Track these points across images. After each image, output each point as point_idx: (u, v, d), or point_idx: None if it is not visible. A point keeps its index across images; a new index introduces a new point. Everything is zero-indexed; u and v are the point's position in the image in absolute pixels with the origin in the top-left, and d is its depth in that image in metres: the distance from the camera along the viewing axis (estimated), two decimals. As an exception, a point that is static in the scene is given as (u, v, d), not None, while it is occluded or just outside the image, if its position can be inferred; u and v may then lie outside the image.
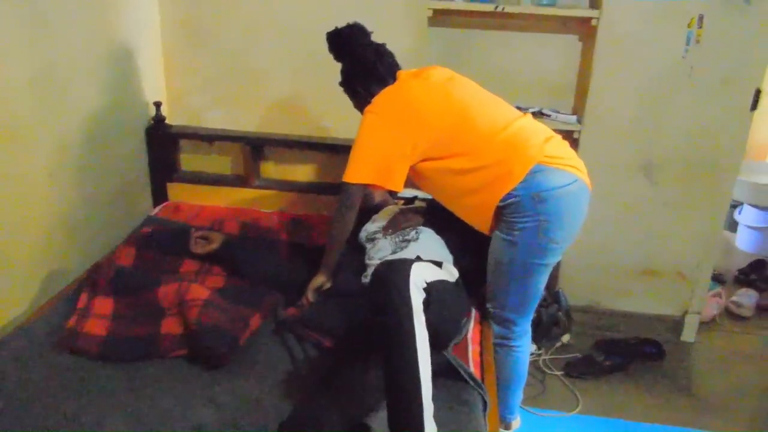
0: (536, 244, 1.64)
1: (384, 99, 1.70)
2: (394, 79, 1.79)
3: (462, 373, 1.49)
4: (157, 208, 2.44)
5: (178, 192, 2.51)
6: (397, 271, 1.28)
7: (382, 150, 1.67)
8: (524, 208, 1.61)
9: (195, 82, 2.52)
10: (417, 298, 1.25)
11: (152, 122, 2.43)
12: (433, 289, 1.34)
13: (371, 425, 1.32)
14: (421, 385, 1.20)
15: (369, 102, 1.73)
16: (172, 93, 2.53)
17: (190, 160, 2.58)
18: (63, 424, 1.35)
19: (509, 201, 1.61)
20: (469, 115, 1.67)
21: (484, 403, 1.46)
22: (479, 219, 1.72)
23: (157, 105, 2.40)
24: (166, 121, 2.46)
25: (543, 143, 1.64)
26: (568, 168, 1.63)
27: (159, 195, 2.50)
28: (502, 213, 1.65)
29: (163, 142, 2.46)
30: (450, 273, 1.63)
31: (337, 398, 1.37)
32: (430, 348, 1.36)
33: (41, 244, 1.89)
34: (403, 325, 1.22)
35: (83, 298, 1.76)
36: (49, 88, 1.85)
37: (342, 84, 1.87)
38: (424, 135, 1.66)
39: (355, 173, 1.69)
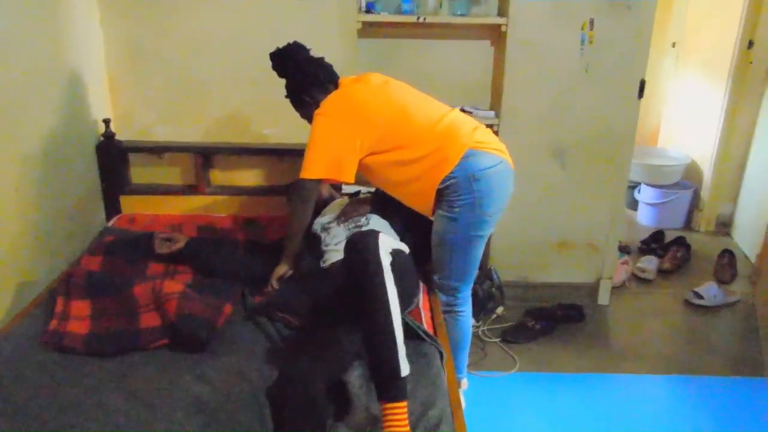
0: (474, 217, 1.90)
1: (331, 102, 1.91)
2: (335, 86, 2.01)
3: (419, 332, 1.72)
4: (113, 220, 2.53)
5: (131, 204, 2.61)
6: (369, 237, 1.49)
7: (333, 147, 1.88)
8: (461, 188, 1.86)
9: (140, 99, 2.63)
10: (386, 259, 1.47)
11: (102, 138, 2.53)
12: (396, 255, 1.56)
13: (348, 380, 1.53)
14: (395, 330, 1.41)
15: (315, 108, 1.93)
16: (119, 110, 2.63)
17: (140, 173, 2.69)
18: (66, 410, 1.43)
19: (448, 183, 1.87)
20: (407, 112, 1.91)
21: (440, 354, 1.70)
22: (422, 203, 1.96)
23: (106, 122, 2.50)
24: (116, 137, 2.56)
25: (472, 132, 1.91)
26: (494, 151, 1.91)
27: (112, 208, 2.59)
28: (442, 194, 1.90)
29: (113, 157, 2.56)
30: (403, 247, 1.86)
31: (314, 363, 1.56)
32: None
33: (10, 256, 1.97)
34: (377, 282, 1.43)
35: (59, 302, 1.83)
36: (10, 108, 1.94)
37: (288, 96, 2.05)
38: (369, 131, 1.88)
39: (311, 170, 1.89)
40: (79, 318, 1.81)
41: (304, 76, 2.00)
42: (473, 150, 1.87)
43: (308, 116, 2.02)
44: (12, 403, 1.46)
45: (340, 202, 2.24)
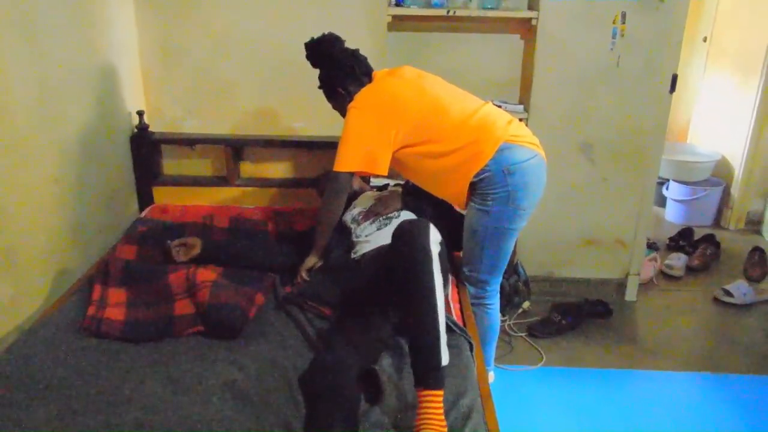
0: (507, 211, 1.90)
1: (365, 95, 1.92)
2: (369, 78, 2.02)
3: (449, 323, 1.73)
4: (146, 210, 2.58)
5: (163, 195, 2.66)
6: (420, 226, 1.50)
7: (367, 140, 1.88)
8: (496, 181, 1.86)
9: (171, 93, 2.68)
10: (435, 249, 1.48)
11: (136, 130, 2.58)
12: (442, 246, 1.57)
13: (378, 368, 1.55)
14: (438, 318, 1.42)
15: (348, 101, 1.95)
16: (151, 105, 2.68)
17: (172, 164, 2.74)
18: (105, 393, 1.48)
19: (482, 176, 1.87)
20: (441, 104, 1.92)
21: (470, 345, 1.72)
22: (456, 195, 1.96)
23: (140, 114, 2.55)
24: (149, 129, 2.61)
25: (507, 125, 1.91)
26: (529, 144, 1.91)
27: (145, 198, 2.65)
28: (476, 187, 1.90)
29: (146, 148, 2.61)
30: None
31: (347, 349, 1.57)
32: None
33: (49, 245, 2.02)
34: (426, 270, 1.44)
35: (97, 289, 1.89)
36: (48, 103, 1.99)
37: (322, 88, 2.06)
38: (404, 123, 1.88)
39: (345, 162, 1.90)
40: (116, 305, 1.85)
41: (339, 68, 2.00)
42: (508, 143, 1.87)
43: (341, 108, 2.04)
44: (51, 386, 1.50)
45: (370, 195, 2.25)
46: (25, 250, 1.90)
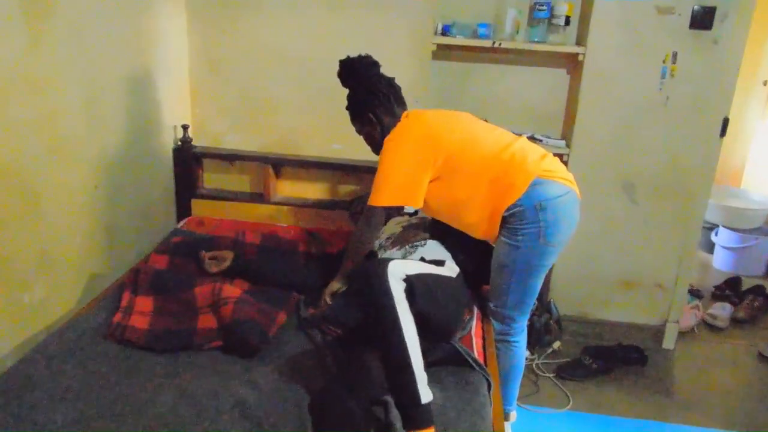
0: (537, 247, 1.85)
1: (401, 129, 1.91)
2: (403, 109, 2.00)
3: (468, 359, 1.69)
4: (182, 222, 2.64)
5: (201, 207, 2.71)
6: (376, 266, 1.51)
7: (404, 173, 1.85)
8: (527, 216, 1.82)
9: (216, 108, 2.74)
10: (396, 287, 1.48)
11: (179, 143, 2.65)
12: (416, 281, 1.55)
13: (389, 399, 1.52)
14: (410, 358, 1.42)
15: (377, 130, 1.96)
16: (196, 118, 2.75)
17: (211, 178, 2.80)
18: (119, 401, 1.50)
19: (514, 210, 1.83)
20: (476, 137, 1.90)
21: (488, 384, 1.67)
22: (486, 229, 1.92)
23: (185, 128, 2.62)
24: (192, 143, 2.68)
25: (540, 160, 1.88)
26: (562, 180, 1.87)
27: (183, 209, 2.71)
28: (506, 221, 1.86)
29: (188, 161, 2.67)
30: (450, 269, 1.86)
31: (358, 380, 1.56)
32: (436, 335, 1.64)
33: (85, 249, 2.08)
34: (387, 310, 1.46)
35: (126, 296, 1.93)
36: (96, 111, 2.07)
37: (349, 109, 2.04)
38: (440, 153, 1.85)
39: (381, 197, 1.86)
40: (141, 313, 1.88)
41: (372, 94, 1.98)
42: (541, 179, 1.83)
43: (366, 133, 2.03)
44: (71, 389, 1.53)
45: (399, 221, 2.24)
46: (61, 252, 1.96)
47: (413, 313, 1.52)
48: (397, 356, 1.44)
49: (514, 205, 1.83)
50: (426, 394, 1.41)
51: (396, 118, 1.97)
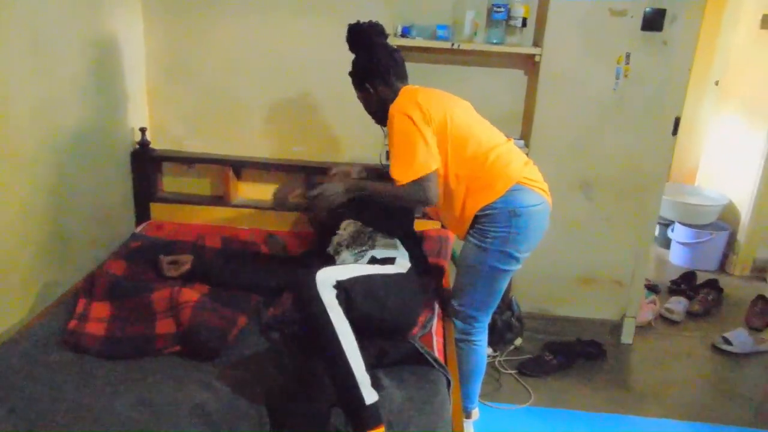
0: (505, 252, 1.87)
1: (405, 97, 1.85)
2: (403, 84, 1.96)
3: (428, 358, 1.71)
4: (141, 226, 2.59)
5: (160, 212, 2.67)
6: (304, 277, 1.53)
7: (417, 140, 1.78)
8: (499, 220, 1.84)
9: (175, 112, 2.70)
10: (326, 294, 1.49)
11: (137, 146, 2.61)
12: (353, 285, 1.57)
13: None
14: (348, 361, 1.44)
15: (372, 99, 1.94)
16: (155, 121, 2.71)
17: (171, 182, 2.76)
18: (74, 411, 1.47)
19: (488, 212, 1.85)
20: (471, 126, 1.90)
21: (448, 382, 1.68)
22: (458, 224, 1.94)
23: (143, 130, 2.58)
24: (150, 146, 2.63)
25: (523, 166, 1.90)
26: (539, 190, 1.90)
27: (142, 214, 2.66)
28: (478, 221, 1.87)
29: (147, 165, 2.63)
30: (401, 266, 1.88)
31: (321, 379, 1.54)
32: (393, 333, 1.70)
33: (38, 256, 2.03)
34: (319, 318, 1.47)
35: (81, 303, 1.90)
36: (48, 115, 2.02)
37: (352, 75, 2.00)
38: (439, 110, 1.83)
39: (409, 172, 1.78)
40: (98, 320, 1.85)
41: (374, 63, 1.93)
42: (520, 185, 1.85)
43: (364, 101, 2.01)
44: (22, 402, 1.49)
45: (352, 223, 2.20)
46: (13, 259, 1.91)
47: (356, 317, 1.53)
48: (337, 362, 1.45)
49: (489, 207, 1.85)
50: (369, 395, 1.42)
51: (392, 90, 1.92)
